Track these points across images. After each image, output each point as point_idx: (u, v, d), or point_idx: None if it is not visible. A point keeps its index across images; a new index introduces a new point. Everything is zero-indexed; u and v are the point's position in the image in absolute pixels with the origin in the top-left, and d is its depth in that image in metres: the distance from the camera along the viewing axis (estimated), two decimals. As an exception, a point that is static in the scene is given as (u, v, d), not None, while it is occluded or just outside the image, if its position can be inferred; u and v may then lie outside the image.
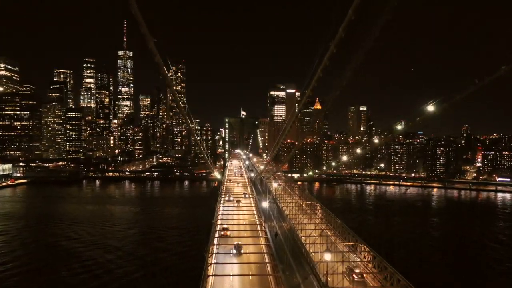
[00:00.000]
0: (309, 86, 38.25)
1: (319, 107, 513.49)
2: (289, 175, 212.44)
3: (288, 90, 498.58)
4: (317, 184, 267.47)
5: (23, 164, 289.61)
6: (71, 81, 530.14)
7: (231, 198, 70.75)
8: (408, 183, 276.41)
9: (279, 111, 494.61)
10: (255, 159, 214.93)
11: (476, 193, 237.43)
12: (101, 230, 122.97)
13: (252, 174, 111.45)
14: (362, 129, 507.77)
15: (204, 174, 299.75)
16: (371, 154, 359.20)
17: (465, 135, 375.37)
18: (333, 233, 43.48)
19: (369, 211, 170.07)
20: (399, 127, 31.63)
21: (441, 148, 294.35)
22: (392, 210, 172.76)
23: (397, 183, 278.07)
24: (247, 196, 74.19)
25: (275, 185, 75.90)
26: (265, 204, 56.36)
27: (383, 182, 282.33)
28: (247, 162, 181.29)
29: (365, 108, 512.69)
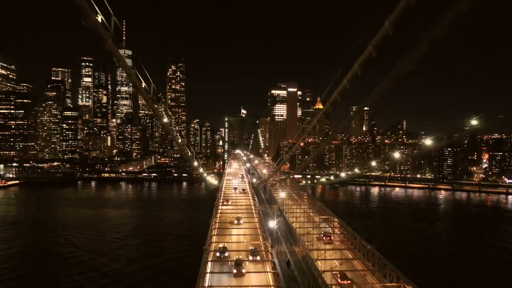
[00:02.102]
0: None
1: (320, 106, 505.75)
2: (291, 176, 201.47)
3: (289, 89, 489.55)
4: (319, 186, 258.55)
5: (16, 165, 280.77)
6: (69, 80, 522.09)
7: (226, 254, 37.83)
8: (415, 185, 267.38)
9: (280, 110, 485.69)
10: (256, 161, 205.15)
11: (486, 196, 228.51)
12: (90, 239, 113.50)
13: (254, 180, 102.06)
14: (364, 128, 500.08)
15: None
16: (374, 155, 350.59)
17: (468, 135, 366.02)
18: (363, 264, 34.36)
19: (376, 216, 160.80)
20: (474, 122, 22.80)
21: (448, 149, 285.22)
22: (400, 214, 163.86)
23: (403, 184, 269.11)
24: (257, 257, 37.16)
25: (282, 194, 65.29)
26: (272, 223, 45.13)
27: (388, 184, 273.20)
28: (247, 165, 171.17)
29: (367, 108, 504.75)
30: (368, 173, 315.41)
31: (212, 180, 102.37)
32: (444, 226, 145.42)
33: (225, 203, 66.95)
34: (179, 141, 36.14)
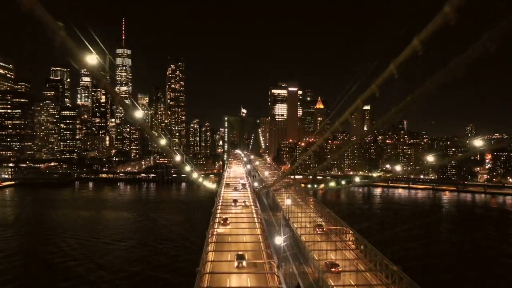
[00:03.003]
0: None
1: (321, 106, 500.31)
2: (292, 177, 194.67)
3: (290, 88, 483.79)
4: (321, 186, 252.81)
5: (12, 165, 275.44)
6: (68, 80, 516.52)
7: None
8: (418, 186, 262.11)
9: (281, 110, 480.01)
10: (257, 162, 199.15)
11: (492, 197, 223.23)
12: (81, 243, 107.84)
13: (256, 184, 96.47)
14: (365, 129, 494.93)
15: (202, 175, 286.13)
16: (376, 155, 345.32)
17: (469, 135, 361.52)
18: None
19: (383, 219, 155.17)
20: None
21: (453, 149, 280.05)
22: (406, 217, 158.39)
23: (406, 185, 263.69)
24: None
25: (286, 199, 58.72)
26: (279, 240, 36.85)
27: (391, 184, 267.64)
28: (248, 166, 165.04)
29: (368, 108, 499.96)
30: (370, 174, 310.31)
31: (209, 184, 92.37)
32: (454, 230, 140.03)
33: (222, 222, 52.20)
34: (162, 142, 28.62)
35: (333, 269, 32.82)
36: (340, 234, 43.50)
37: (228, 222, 52.27)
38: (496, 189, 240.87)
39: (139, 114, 20.61)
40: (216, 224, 49.87)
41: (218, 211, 58.74)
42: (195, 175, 53.23)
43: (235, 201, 70.52)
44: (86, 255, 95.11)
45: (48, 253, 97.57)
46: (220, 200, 68.82)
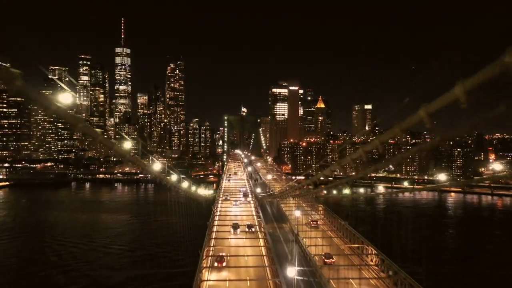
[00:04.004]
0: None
1: (322, 105, 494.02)
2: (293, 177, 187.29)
3: (291, 88, 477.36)
4: (322, 187, 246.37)
5: (7, 165, 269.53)
6: (66, 79, 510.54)
7: None
8: (422, 187, 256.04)
9: (281, 109, 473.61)
10: (258, 164, 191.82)
11: (499, 199, 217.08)
12: (68, 251, 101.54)
13: (259, 189, 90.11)
14: (367, 128, 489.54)
15: (202, 176, 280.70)
16: (378, 155, 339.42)
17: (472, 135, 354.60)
18: None
19: (389, 223, 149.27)
20: None
21: (458, 149, 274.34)
22: (416, 220, 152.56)
23: (411, 186, 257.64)
24: None
25: (296, 213, 50.08)
26: (291, 272, 28.34)
27: (395, 185, 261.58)
28: (249, 168, 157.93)
29: (370, 107, 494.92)
30: (373, 174, 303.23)
31: (204, 191, 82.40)
32: (469, 235, 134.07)
33: (216, 264, 36.53)
34: (125, 146, 19.76)
35: (327, 261, 32.64)
36: (361, 254, 37.40)
37: (224, 263, 36.73)
38: (503, 190, 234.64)
39: (65, 97, 11.78)
40: (208, 267, 36.24)
41: (212, 241, 44.53)
42: (184, 185, 44.73)
43: (235, 226, 53.26)
44: (72, 262, 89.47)
45: (30, 260, 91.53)
46: (215, 222, 55.89)
